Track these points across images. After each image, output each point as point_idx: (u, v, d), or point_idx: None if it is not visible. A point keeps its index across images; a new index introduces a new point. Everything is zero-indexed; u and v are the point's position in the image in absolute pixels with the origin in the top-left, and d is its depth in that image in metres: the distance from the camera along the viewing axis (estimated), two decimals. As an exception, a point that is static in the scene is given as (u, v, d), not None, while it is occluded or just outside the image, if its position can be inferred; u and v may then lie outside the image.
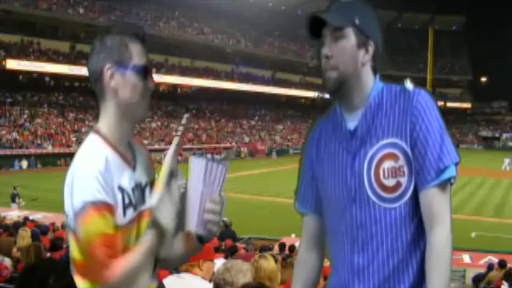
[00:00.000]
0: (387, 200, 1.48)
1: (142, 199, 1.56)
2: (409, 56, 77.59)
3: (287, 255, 8.34)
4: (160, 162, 1.76)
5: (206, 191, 1.50)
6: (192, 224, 1.51)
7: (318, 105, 67.85)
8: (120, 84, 1.52)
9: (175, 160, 1.55)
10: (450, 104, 71.37)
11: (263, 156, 49.31)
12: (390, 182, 1.47)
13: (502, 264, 8.72)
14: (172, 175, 1.52)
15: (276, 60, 64.17)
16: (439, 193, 1.46)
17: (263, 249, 9.72)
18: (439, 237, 1.44)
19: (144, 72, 1.54)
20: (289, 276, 5.35)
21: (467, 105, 79.29)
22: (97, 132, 1.53)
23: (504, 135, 74.50)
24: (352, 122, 1.56)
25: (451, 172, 1.46)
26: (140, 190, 1.56)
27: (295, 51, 67.47)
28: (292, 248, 9.45)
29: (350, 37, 1.51)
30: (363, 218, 1.50)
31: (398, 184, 1.47)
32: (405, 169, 1.47)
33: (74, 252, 1.48)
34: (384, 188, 1.48)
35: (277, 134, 58.00)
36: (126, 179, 1.51)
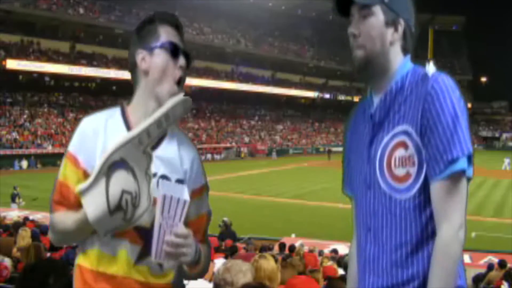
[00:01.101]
0: (396, 190, 1.41)
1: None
2: (409, 56, 77.47)
3: (287, 255, 8.35)
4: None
5: (164, 224, 1.44)
6: (152, 252, 1.47)
7: (318, 105, 67.91)
8: (149, 63, 1.56)
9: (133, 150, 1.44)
10: (450, 104, 71.02)
11: (263, 156, 49.27)
12: (400, 172, 1.40)
13: (502, 264, 8.71)
14: (121, 165, 1.43)
15: (276, 60, 64.08)
16: (449, 186, 1.35)
17: (263, 249, 9.71)
18: (444, 237, 1.33)
19: (172, 48, 1.57)
20: (289, 276, 5.34)
21: (467, 105, 79.28)
22: (121, 104, 1.61)
23: (504, 135, 74.54)
24: (376, 105, 1.50)
25: (461, 164, 1.36)
26: None
27: (295, 51, 67.40)
28: (292, 248, 9.44)
29: (378, 15, 1.45)
30: (376, 206, 1.45)
31: (408, 174, 1.39)
32: (415, 159, 1.38)
33: None
34: (394, 177, 1.41)
35: (277, 134, 57.98)
36: None
